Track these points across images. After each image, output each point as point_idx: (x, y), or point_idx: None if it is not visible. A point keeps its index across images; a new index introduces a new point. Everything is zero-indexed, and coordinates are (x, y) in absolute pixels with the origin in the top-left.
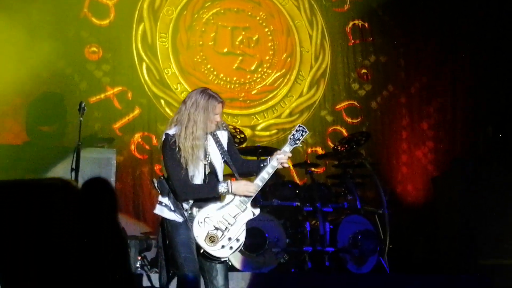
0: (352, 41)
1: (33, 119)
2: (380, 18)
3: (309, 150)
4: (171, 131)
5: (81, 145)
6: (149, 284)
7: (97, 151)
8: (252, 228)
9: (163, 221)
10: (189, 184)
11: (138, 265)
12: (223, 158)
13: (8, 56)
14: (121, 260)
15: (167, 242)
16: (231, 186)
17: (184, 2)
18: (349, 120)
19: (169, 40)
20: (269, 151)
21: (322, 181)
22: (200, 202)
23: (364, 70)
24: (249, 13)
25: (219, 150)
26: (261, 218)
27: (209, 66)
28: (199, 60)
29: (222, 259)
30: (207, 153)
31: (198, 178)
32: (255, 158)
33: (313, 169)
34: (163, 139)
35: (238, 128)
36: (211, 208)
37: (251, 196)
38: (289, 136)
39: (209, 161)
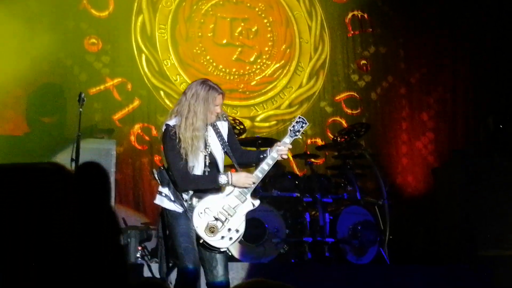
0: (352, 32)
1: (34, 110)
2: (380, 8)
3: (309, 141)
4: (171, 122)
5: (81, 136)
6: (149, 274)
7: (97, 142)
8: (252, 219)
9: (163, 211)
10: (189, 175)
11: (138, 255)
12: (223, 149)
13: (8, 47)
14: (116, 248)
15: (167, 232)
16: (231, 177)
17: None
18: (349, 111)
19: (168, 31)
20: (269, 142)
21: (321, 172)
22: (200, 193)
23: (363, 61)
24: (248, 4)
25: (220, 141)
26: (260, 208)
27: (208, 57)
28: (198, 52)
29: (222, 250)
30: (207, 144)
31: (198, 168)
32: (254, 149)
33: (312, 160)
34: (163, 130)
35: (238, 119)
36: (211, 199)
37: (251, 188)
38: (289, 127)
39: (209, 152)
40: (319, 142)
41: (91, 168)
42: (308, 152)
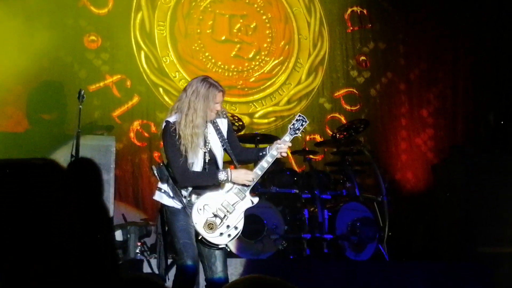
0: (351, 28)
1: (34, 107)
2: (379, 4)
3: (308, 137)
4: (171, 119)
5: (81, 132)
6: (149, 270)
7: (96, 138)
8: (250, 215)
9: (162, 207)
10: (189, 171)
11: (138, 251)
12: (222, 146)
13: (8, 45)
14: (107, 244)
15: (166, 228)
16: (231, 174)
17: None
18: (348, 107)
19: (167, 28)
20: (268, 138)
21: (320, 169)
22: (199, 190)
23: (363, 57)
24: (247, 1)
25: (219, 138)
26: (259, 205)
27: (207, 54)
28: (197, 48)
29: (220, 246)
30: (207, 141)
31: (197, 165)
32: (253, 145)
33: (311, 156)
34: (163, 127)
35: (236, 116)
36: (210, 196)
37: (250, 185)
38: (289, 125)
39: (208, 149)
40: (318, 138)
41: (84, 164)
42: (307, 149)
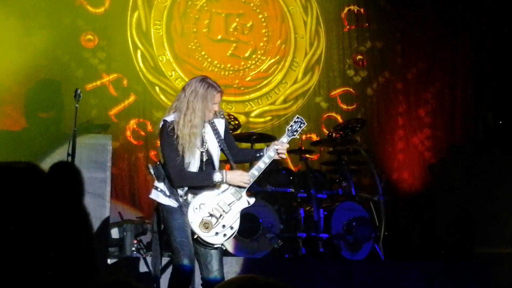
0: (348, 26)
1: (31, 106)
2: (376, 2)
3: (304, 136)
4: (169, 118)
5: (78, 131)
6: (145, 267)
7: (93, 137)
8: (246, 214)
9: (159, 206)
10: (185, 171)
11: (134, 248)
12: (219, 146)
13: (5, 44)
14: (84, 248)
15: (162, 227)
16: (226, 175)
17: None
18: (344, 106)
19: (164, 27)
20: (264, 137)
21: (316, 168)
22: (196, 189)
23: (359, 56)
24: (243, 0)
25: (216, 138)
26: (255, 204)
27: (203, 53)
28: (193, 47)
29: (215, 246)
30: (204, 141)
31: (194, 165)
32: (249, 144)
33: (307, 155)
34: (161, 125)
35: (232, 115)
36: (207, 195)
37: (246, 186)
38: (287, 127)
39: (206, 149)
40: (314, 137)
41: (63, 167)
42: (303, 148)
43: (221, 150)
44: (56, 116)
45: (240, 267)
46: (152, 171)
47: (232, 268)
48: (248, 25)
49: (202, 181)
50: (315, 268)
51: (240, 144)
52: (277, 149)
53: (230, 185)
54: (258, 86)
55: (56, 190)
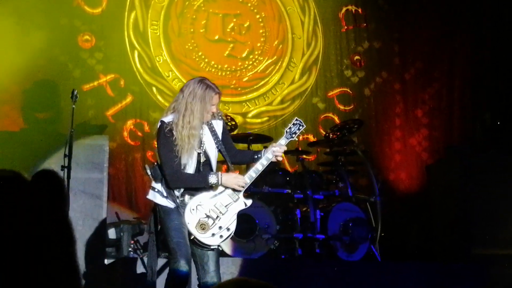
0: (345, 27)
1: (29, 106)
2: (374, 2)
3: (301, 137)
4: (166, 119)
5: (75, 131)
6: (142, 268)
7: (90, 137)
8: (242, 215)
9: (156, 206)
10: (180, 172)
11: (130, 249)
12: (217, 147)
13: (3, 44)
14: (66, 257)
15: (159, 227)
16: (221, 177)
17: None
18: (342, 107)
19: (161, 27)
20: (260, 138)
21: (313, 169)
22: (193, 190)
23: (357, 57)
24: (240, 0)
25: (214, 140)
26: (251, 204)
27: (200, 53)
28: (191, 48)
29: (212, 247)
30: (202, 142)
31: (191, 166)
32: (246, 145)
33: (304, 156)
34: (158, 126)
35: (229, 116)
36: (204, 196)
37: (243, 187)
38: (286, 129)
39: (203, 150)
40: (311, 138)
41: (46, 176)
42: (300, 149)
43: (219, 151)
44: (53, 117)
45: (237, 267)
46: (149, 172)
47: (229, 269)
48: (245, 25)
49: (198, 183)
50: (311, 269)
51: (237, 145)
52: (275, 151)
53: (225, 187)
54: (255, 87)
55: (37, 198)
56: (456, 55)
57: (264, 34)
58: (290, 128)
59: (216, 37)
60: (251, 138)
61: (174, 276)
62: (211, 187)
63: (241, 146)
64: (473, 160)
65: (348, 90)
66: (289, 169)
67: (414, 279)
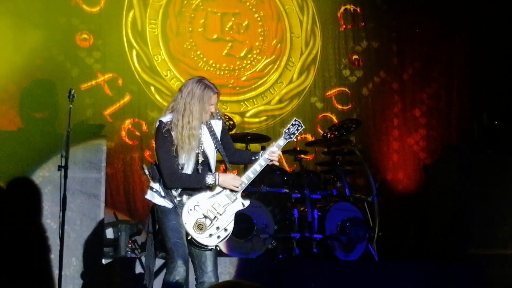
0: (344, 26)
1: (27, 106)
2: (373, 2)
3: (299, 137)
4: (165, 119)
5: (72, 131)
6: (139, 267)
7: (88, 137)
8: (240, 214)
9: (154, 206)
10: (178, 173)
11: (128, 249)
12: (216, 147)
13: (1, 43)
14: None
15: (157, 227)
16: (218, 178)
17: None
18: (340, 106)
19: (159, 26)
20: (258, 138)
21: (311, 168)
22: (190, 190)
23: (355, 56)
24: None
25: (213, 140)
26: (249, 204)
27: (198, 52)
28: (189, 47)
29: (209, 247)
30: (201, 142)
31: (189, 166)
32: (244, 144)
33: (302, 156)
34: (156, 126)
35: (227, 115)
36: (202, 196)
37: (241, 188)
38: (284, 129)
39: (202, 150)
40: (309, 138)
41: (23, 183)
42: (298, 148)
43: (218, 151)
44: (51, 116)
45: (234, 267)
46: (147, 171)
47: (226, 269)
48: (244, 24)
49: (195, 183)
50: (309, 268)
51: (235, 144)
52: (272, 153)
53: (223, 187)
54: (253, 86)
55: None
56: (454, 55)
57: (262, 33)
58: (288, 128)
59: (215, 36)
60: (249, 137)
61: (172, 276)
62: (209, 188)
63: (239, 145)
64: (471, 160)
65: (346, 90)
66: (287, 168)
67: (412, 279)
